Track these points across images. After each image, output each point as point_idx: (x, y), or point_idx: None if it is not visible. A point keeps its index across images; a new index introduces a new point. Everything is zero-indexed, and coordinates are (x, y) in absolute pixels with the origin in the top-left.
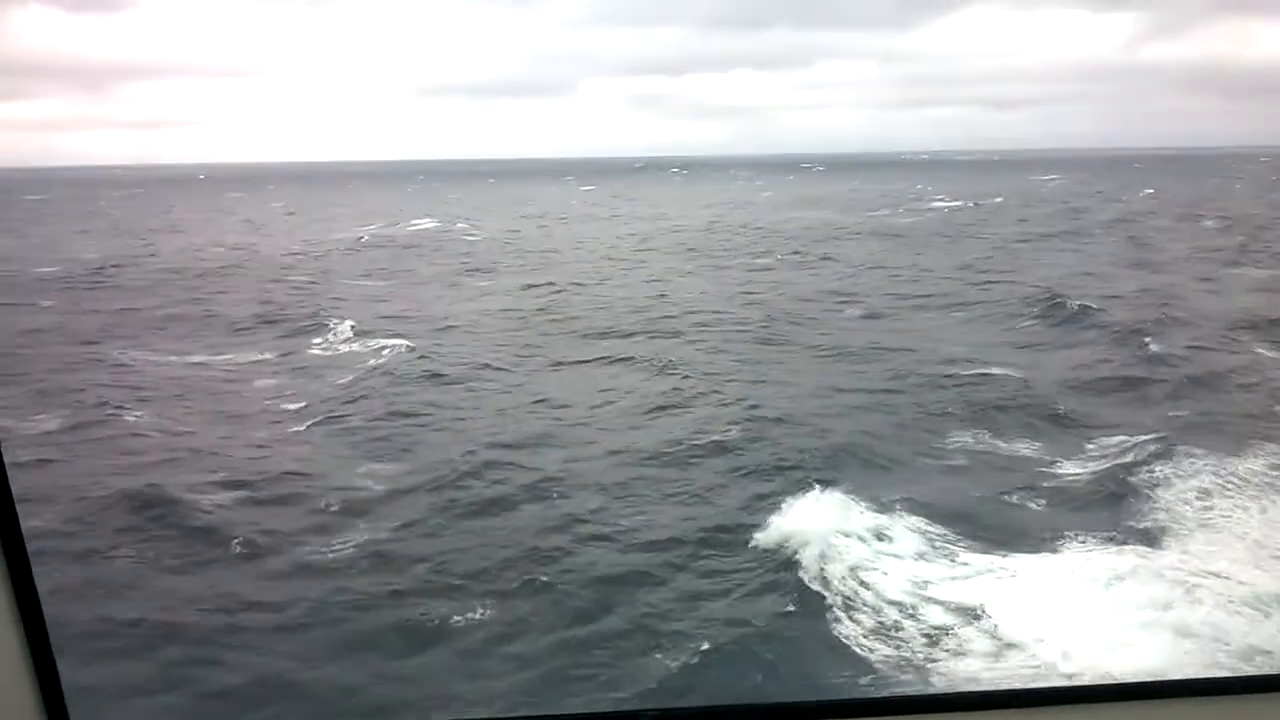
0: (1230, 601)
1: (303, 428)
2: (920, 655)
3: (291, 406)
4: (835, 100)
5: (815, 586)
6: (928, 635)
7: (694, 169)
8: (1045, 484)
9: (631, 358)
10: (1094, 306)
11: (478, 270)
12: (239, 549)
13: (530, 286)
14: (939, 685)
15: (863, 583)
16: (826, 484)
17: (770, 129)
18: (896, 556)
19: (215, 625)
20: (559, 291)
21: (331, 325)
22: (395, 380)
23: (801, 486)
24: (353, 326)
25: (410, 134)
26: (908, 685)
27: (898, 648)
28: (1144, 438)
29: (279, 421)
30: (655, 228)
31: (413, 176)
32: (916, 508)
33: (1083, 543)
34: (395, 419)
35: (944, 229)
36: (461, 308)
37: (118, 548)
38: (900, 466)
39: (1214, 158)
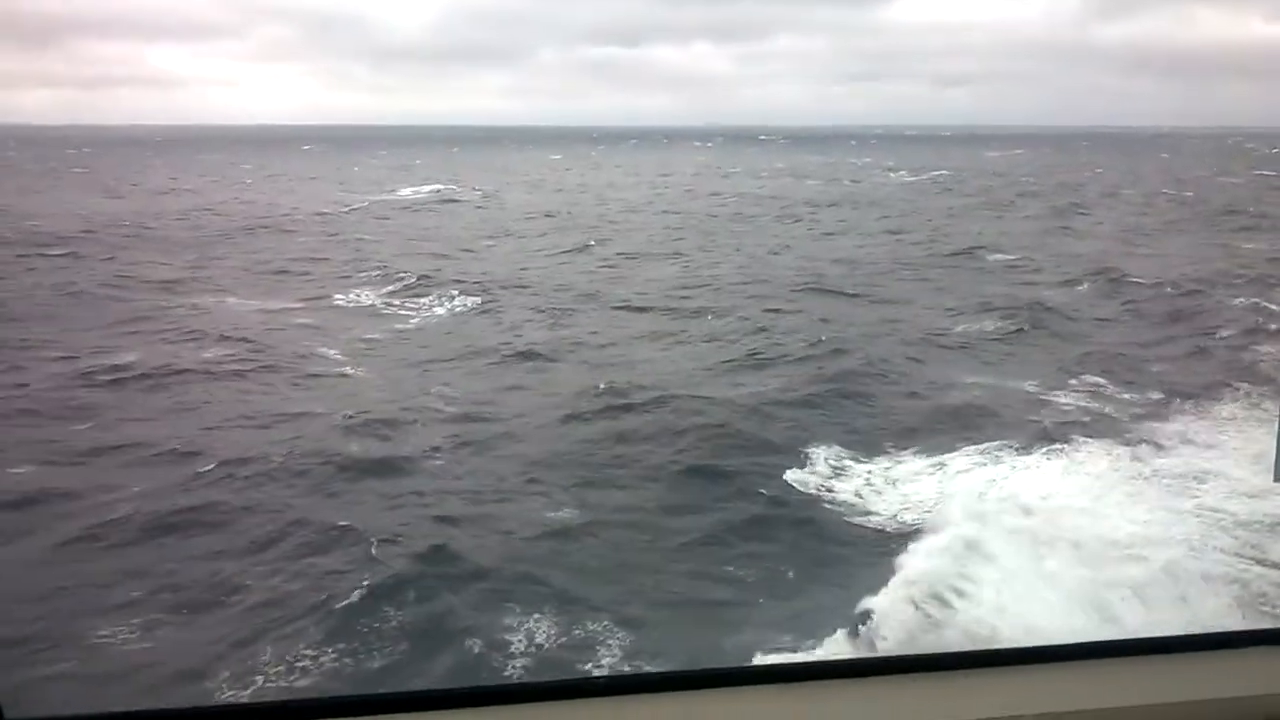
0: None
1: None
2: None
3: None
4: (788, 73)
5: None
6: None
7: (649, 140)
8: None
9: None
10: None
11: (508, 235)
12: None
13: (566, 250)
14: None
15: None
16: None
17: (724, 102)
18: None
19: None
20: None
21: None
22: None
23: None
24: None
25: (364, 98)
26: None
27: None
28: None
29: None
30: (654, 194)
31: (372, 143)
32: None
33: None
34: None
35: (919, 197)
36: (516, 266)
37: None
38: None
39: (1151, 136)
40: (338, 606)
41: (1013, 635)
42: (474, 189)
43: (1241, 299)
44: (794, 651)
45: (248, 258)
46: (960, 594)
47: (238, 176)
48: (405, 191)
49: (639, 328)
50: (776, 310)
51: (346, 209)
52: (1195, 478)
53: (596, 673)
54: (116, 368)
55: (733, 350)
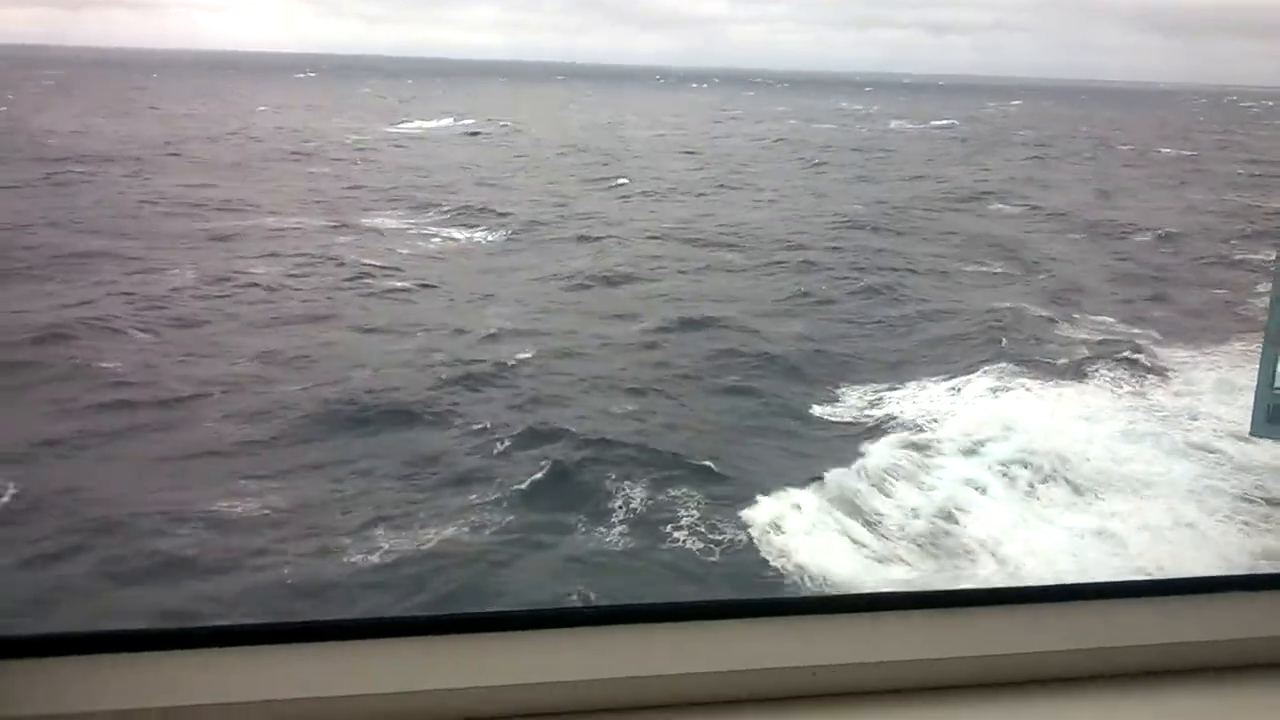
0: None
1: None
2: None
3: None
4: (783, 16)
5: None
6: None
7: (644, 80)
8: None
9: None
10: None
11: (539, 167)
12: None
13: (610, 186)
14: None
15: None
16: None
17: (717, 44)
18: None
19: None
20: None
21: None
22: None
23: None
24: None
25: (352, 27)
26: None
27: None
28: None
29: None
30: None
31: (364, 73)
32: None
33: None
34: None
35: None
36: (557, 198)
37: None
38: None
39: (1159, 94)
40: None
41: None
42: (492, 122)
43: None
44: None
45: (303, 184)
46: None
47: (244, 104)
48: (424, 123)
49: (689, 258)
50: (835, 248)
51: (374, 138)
52: None
53: None
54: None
55: (783, 284)
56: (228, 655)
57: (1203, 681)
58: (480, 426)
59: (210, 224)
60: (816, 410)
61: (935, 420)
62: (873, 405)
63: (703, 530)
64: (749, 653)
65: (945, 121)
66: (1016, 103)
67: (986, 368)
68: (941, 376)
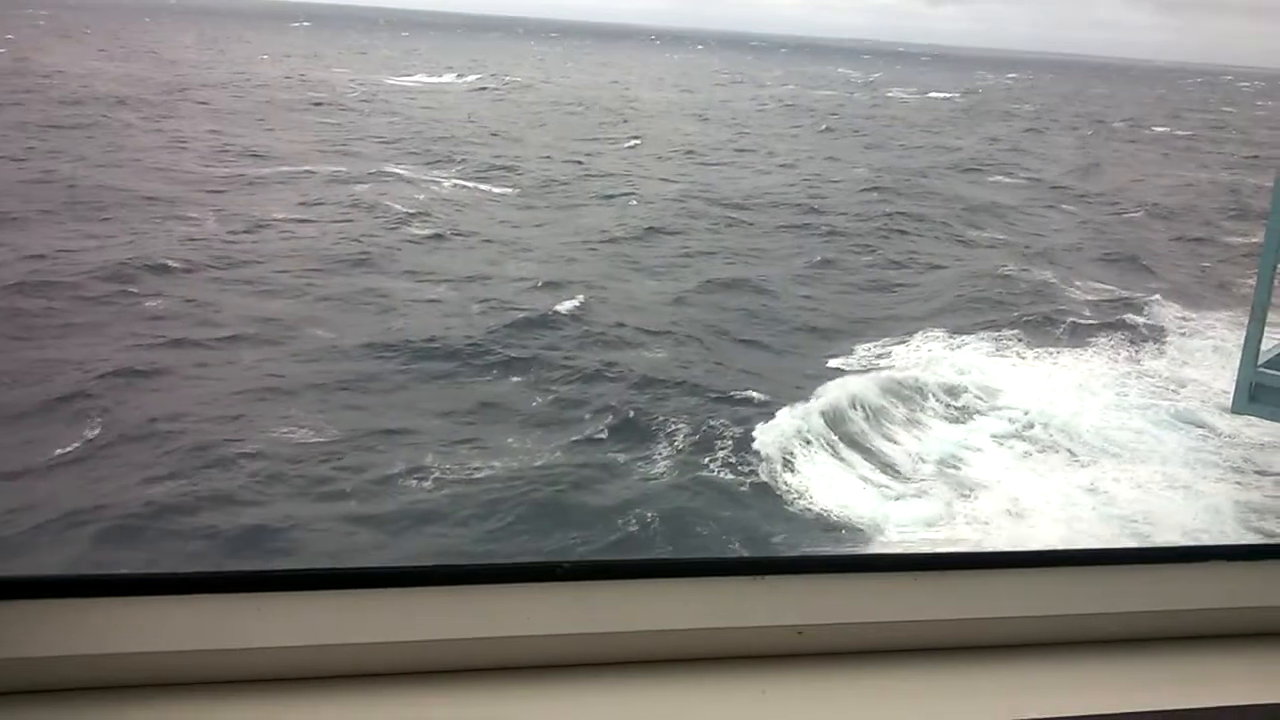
0: None
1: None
2: None
3: None
4: None
5: None
6: None
7: (638, 39)
8: None
9: None
10: None
11: (559, 124)
12: None
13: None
14: None
15: None
16: None
17: (709, 5)
18: None
19: None
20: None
21: None
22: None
23: None
24: None
25: None
26: None
27: None
28: None
29: None
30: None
31: (352, 22)
32: None
33: None
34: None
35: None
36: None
37: None
38: None
39: (1158, 70)
40: None
41: None
42: (496, 78)
43: None
44: None
45: (333, 132)
46: None
47: (245, 52)
48: (428, 78)
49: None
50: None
51: (387, 90)
52: None
53: None
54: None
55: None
56: (174, 602)
57: (1185, 649)
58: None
59: (241, 170)
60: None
61: None
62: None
63: None
64: (735, 610)
65: (945, 94)
66: (1013, 75)
67: None
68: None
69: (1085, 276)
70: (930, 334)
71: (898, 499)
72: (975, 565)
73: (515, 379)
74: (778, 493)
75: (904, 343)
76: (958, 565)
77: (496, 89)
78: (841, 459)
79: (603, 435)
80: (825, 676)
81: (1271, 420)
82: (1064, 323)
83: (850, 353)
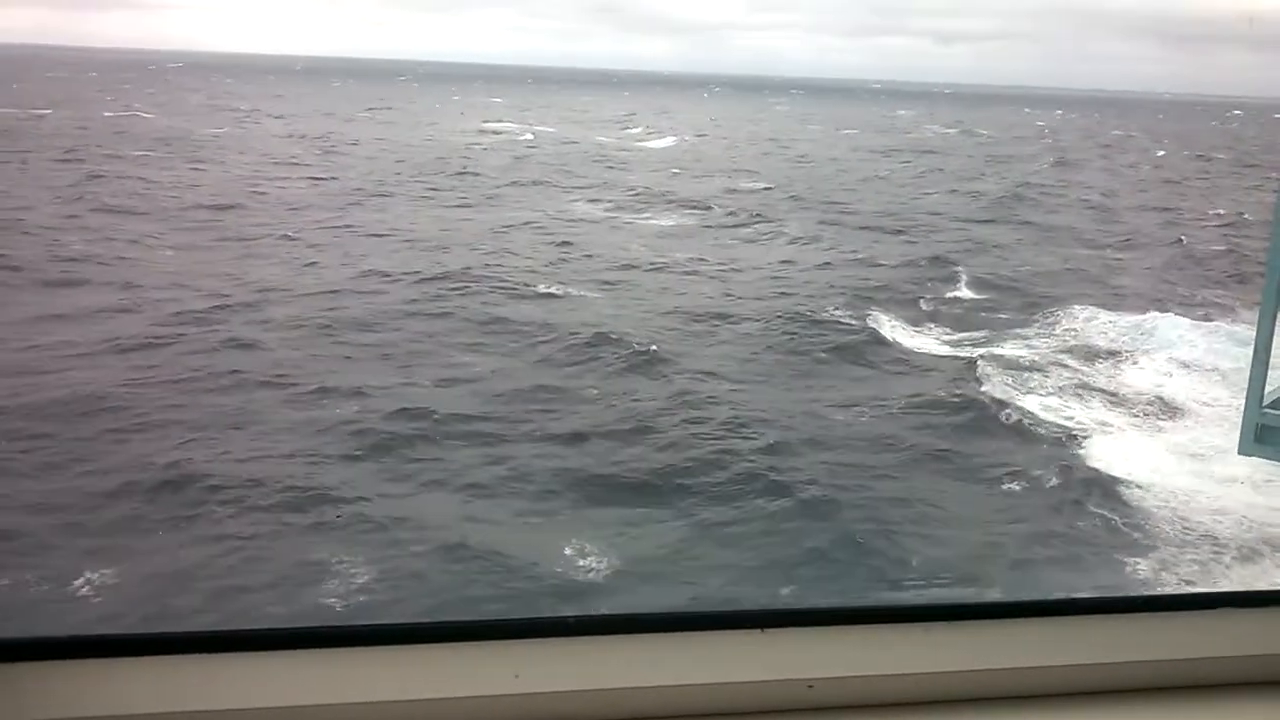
0: None
1: None
2: None
3: None
4: (788, 24)
5: None
6: None
7: (664, 84)
8: None
9: None
10: None
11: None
12: None
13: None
14: None
15: None
16: None
17: (723, 50)
18: None
19: None
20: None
21: None
22: None
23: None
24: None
25: (362, 30)
26: None
27: None
28: None
29: None
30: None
31: (388, 77)
32: None
33: None
34: None
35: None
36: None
37: None
38: None
39: (1155, 103)
40: None
41: None
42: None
43: None
44: None
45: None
46: None
47: (301, 109)
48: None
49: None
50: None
51: (467, 145)
52: None
53: None
54: None
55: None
56: (235, 661)
57: (1194, 699)
58: None
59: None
60: None
61: None
62: None
63: None
64: (746, 664)
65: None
66: (1029, 110)
67: None
68: None
69: None
70: None
71: None
72: (986, 615)
73: None
74: None
75: None
76: (968, 616)
77: (577, 142)
78: None
79: None
80: None
81: (1278, 461)
82: None
83: None
